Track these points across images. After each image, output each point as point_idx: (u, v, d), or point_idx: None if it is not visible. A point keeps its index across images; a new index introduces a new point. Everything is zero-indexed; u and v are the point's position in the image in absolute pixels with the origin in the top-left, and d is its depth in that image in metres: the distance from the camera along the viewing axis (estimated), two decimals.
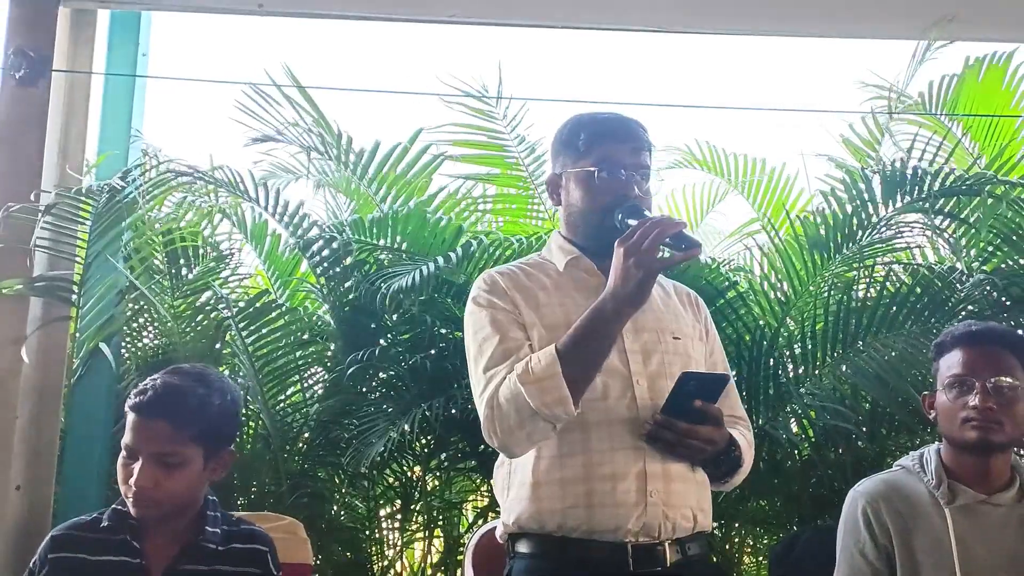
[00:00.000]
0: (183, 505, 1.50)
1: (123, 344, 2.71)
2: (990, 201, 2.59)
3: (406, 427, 2.46)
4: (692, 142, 3.16)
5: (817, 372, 2.66)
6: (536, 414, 1.42)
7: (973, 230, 2.69)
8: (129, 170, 2.59)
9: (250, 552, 1.52)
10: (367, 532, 2.84)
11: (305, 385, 2.83)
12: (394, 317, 2.74)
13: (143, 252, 2.64)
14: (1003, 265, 2.71)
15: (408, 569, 2.89)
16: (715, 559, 2.76)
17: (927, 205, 2.65)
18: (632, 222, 1.45)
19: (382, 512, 2.91)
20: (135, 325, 2.75)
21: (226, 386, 1.54)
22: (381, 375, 2.78)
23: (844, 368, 2.64)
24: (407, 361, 2.67)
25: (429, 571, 2.85)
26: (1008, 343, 1.69)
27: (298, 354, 2.76)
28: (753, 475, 2.62)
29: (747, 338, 2.66)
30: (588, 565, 1.46)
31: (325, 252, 2.73)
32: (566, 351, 1.43)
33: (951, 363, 1.69)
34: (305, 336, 2.82)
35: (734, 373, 2.66)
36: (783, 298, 2.73)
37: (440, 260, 2.46)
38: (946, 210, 2.71)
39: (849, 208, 2.63)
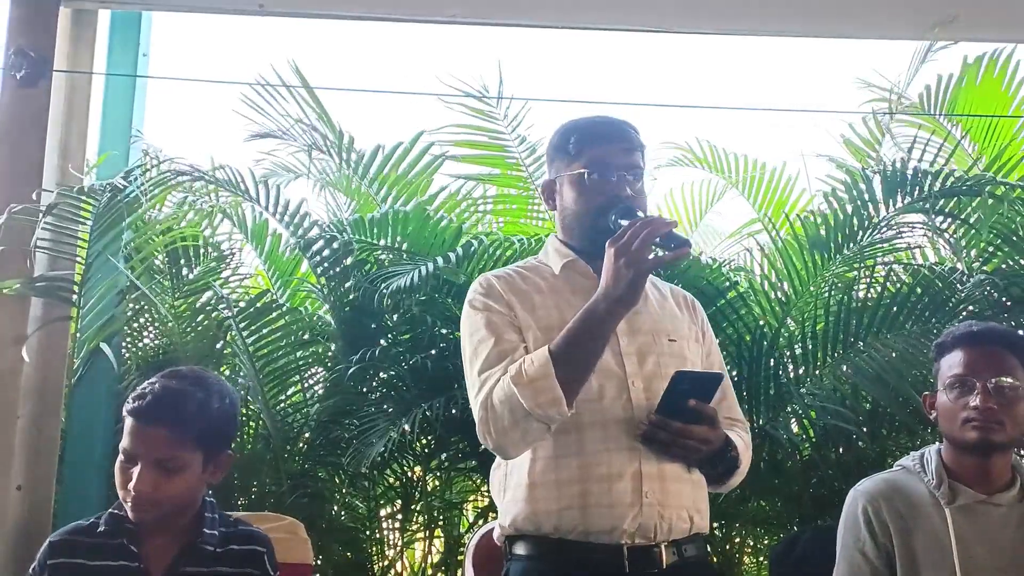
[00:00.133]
0: (182, 508, 1.50)
1: (124, 344, 2.71)
2: (990, 202, 2.58)
3: (406, 427, 2.47)
4: (692, 141, 3.17)
5: (818, 372, 2.66)
6: (530, 415, 1.42)
7: (973, 230, 2.70)
8: (131, 170, 2.60)
9: (248, 553, 1.52)
10: (367, 532, 2.85)
11: (306, 385, 2.83)
12: (395, 317, 2.74)
13: (143, 252, 2.64)
14: (1003, 265, 2.71)
15: (408, 569, 2.89)
16: (715, 559, 2.76)
17: (927, 205, 2.65)
18: (625, 223, 1.46)
19: (382, 512, 2.91)
20: (136, 325, 2.75)
21: (224, 389, 1.54)
22: (382, 375, 2.78)
23: (845, 368, 2.64)
24: (408, 361, 2.67)
25: (429, 571, 2.85)
26: (1009, 343, 1.69)
27: (299, 354, 2.76)
28: (753, 475, 2.63)
29: (747, 338, 2.66)
30: (584, 567, 1.46)
31: (326, 252, 2.73)
32: (559, 352, 1.44)
33: (952, 363, 1.69)
34: (306, 336, 2.82)
35: (734, 373, 2.67)
36: (783, 298, 2.73)
37: (440, 260, 2.46)
38: (947, 210, 2.71)
39: (850, 208, 2.63)
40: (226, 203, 2.81)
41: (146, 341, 2.79)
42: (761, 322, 2.70)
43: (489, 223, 3.03)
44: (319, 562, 2.65)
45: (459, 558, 2.73)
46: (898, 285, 2.71)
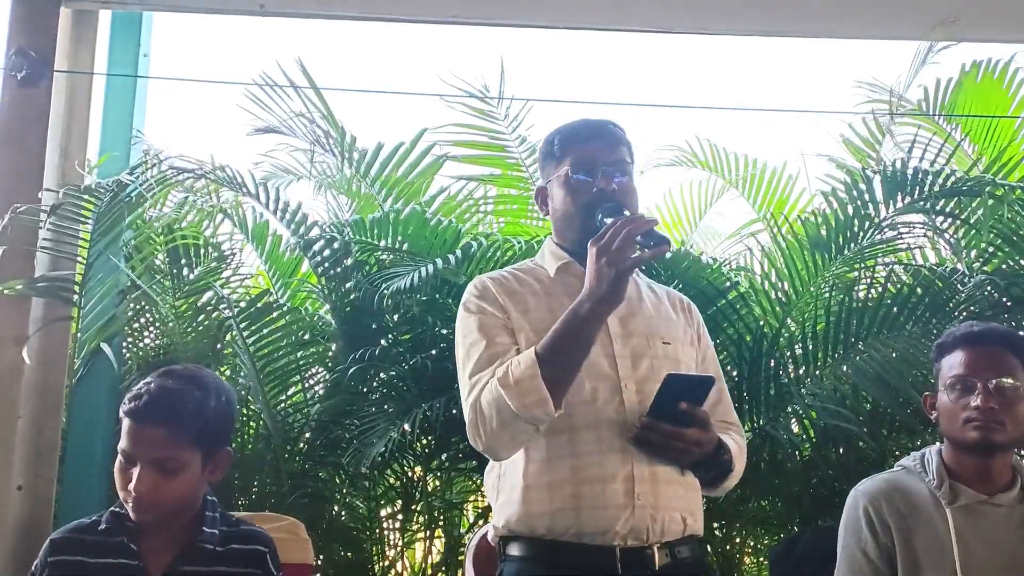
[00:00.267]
0: (183, 508, 1.50)
1: (124, 344, 2.71)
2: (991, 202, 2.58)
3: (407, 427, 2.47)
4: (693, 141, 3.17)
5: (818, 372, 2.66)
6: (518, 417, 1.43)
7: (974, 231, 2.69)
8: (136, 167, 2.60)
9: (250, 553, 1.52)
10: (368, 532, 2.85)
11: (306, 385, 2.83)
12: (395, 317, 2.74)
13: (144, 251, 2.64)
14: (1004, 266, 2.71)
15: (409, 569, 2.90)
16: (716, 560, 2.76)
17: (928, 206, 2.65)
18: (610, 222, 1.47)
19: (383, 512, 2.91)
20: (136, 325, 2.75)
21: (221, 386, 1.54)
22: (382, 375, 2.78)
23: (845, 368, 2.64)
24: (408, 361, 2.67)
25: (430, 571, 2.85)
26: (1009, 344, 1.69)
27: (299, 354, 2.76)
28: (754, 476, 2.66)
29: (748, 338, 2.66)
30: (577, 568, 1.47)
31: (326, 252, 2.74)
32: (545, 353, 1.45)
33: (953, 363, 1.69)
34: (306, 336, 2.82)
35: (735, 374, 2.67)
36: (784, 298, 2.73)
37: (440, 262, 2.47)
38: (947, 211, 2.71)
39: (850, 209, 2.63)
40: (227, 203, 2.81)
41: (147, 341, 2.79)
42: (761, 322, 2.70)
43: (490, 223, 3.03)
44: (319, 562, 2.65)
45: (459, 558, 2.73)
46: (898, 285, 2.71)
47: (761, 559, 2.87)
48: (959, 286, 2.62)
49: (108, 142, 2.72)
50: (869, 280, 2.76)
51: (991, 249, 2.73)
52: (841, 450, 2.72)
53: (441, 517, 2.87)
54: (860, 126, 2.99)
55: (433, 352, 2.65)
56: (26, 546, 2.34)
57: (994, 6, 2.69)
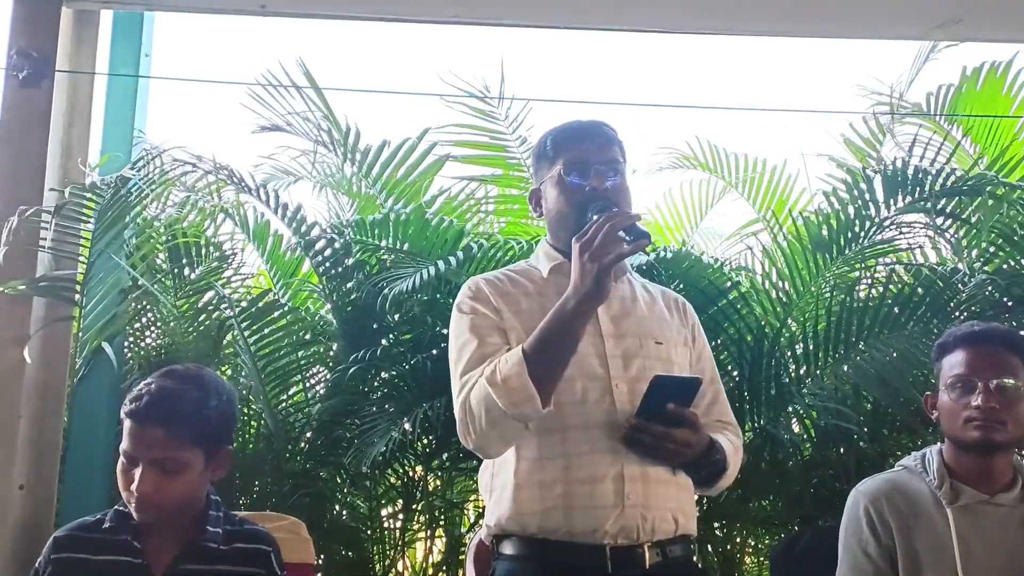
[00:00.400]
0: (185, 507, 1.50)
1: (126, 344, 2.71)
2: (991, 202, 2.58)
3: (408, 427, 2.47)
4: (693, 141, 3.17)
5: (819, 372, 2.66)
6: (506, 414, 1.44)
7: (975, 230, 2.69)
8: (137, 161, 2.60)
9: (253, 552, 1.52)
10: (369, 532, 2.85)
11: (307, 385, 2.83)
12: (396, 317, 2.74)
13: (144, 249, 2.65)
14: (1005, 265, 2.71)
15: (410, 569, 2.90)
16: (716, 559, 2.76)
17: (929, 205, 2.65)
18: None
19: (384, 512, 2.91)
20: (138, 325, 2.75)
21: (221, 386, 1.54)
22: (383, 375, 2.79)
23: (846, 368, 2.64)
24: (409, 361, 2.67)
25: (431, 571, 2.86)
26: (1010, 343, 1.69)
27: (300, 354, 2.77)
28: (755, 476, 2.66)
29: (749, 338, 2.66)
30: (568, 567, 1.48)
31: (327, 252, 2.74)
32: (532, 351, 1.46)
33: (953, 363, 1.69)
34: (307, 336, 2.83)
35: (735, 373, 2.68)
36: (785, 298, 2.73)
37: (441, 264, 2.47)
38: (948, 210, 2.71)
39: (851, 209, 2.63)
40: (228, 203, 2.81)
41: (148, 341, 2.79)
42: (762, 322, 2.71)
43: (491, 223, 3.04)
44: (321, 562, 2.65)
45: (460, 558, 2.73)
46: (899, 285, 2.71)
47: (762, 559, 2.87)
48: (960, 286, 2.62)
49: (109, 142, 2.72)
50: (870, 280, 2.76)
51: (992, 249, 2.73)
52: (842, 450, 2.72)
53: (442, 517, 2.87)
54: (861, 126, 2.99)
55: (434, 352, 2.66)
56: (27, 546, 2.34)
57: (995, 6, 2.69)
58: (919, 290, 2.64)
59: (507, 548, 1.54)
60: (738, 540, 2.84)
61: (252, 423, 2.76)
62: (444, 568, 2.84)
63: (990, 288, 2.62)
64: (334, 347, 2.83)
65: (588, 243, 1.43)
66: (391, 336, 2.78)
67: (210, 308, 2.73)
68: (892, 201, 2.62)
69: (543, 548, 1.49)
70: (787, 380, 2.67)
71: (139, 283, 2.59)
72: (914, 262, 2.81)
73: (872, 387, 2.60)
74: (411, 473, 2.85)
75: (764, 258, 2.81)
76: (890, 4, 2.66)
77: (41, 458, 2.47)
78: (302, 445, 2.77)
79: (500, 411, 1.44)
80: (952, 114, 2.92)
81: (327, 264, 2.75)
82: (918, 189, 2.58)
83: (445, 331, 2.68)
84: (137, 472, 1.43)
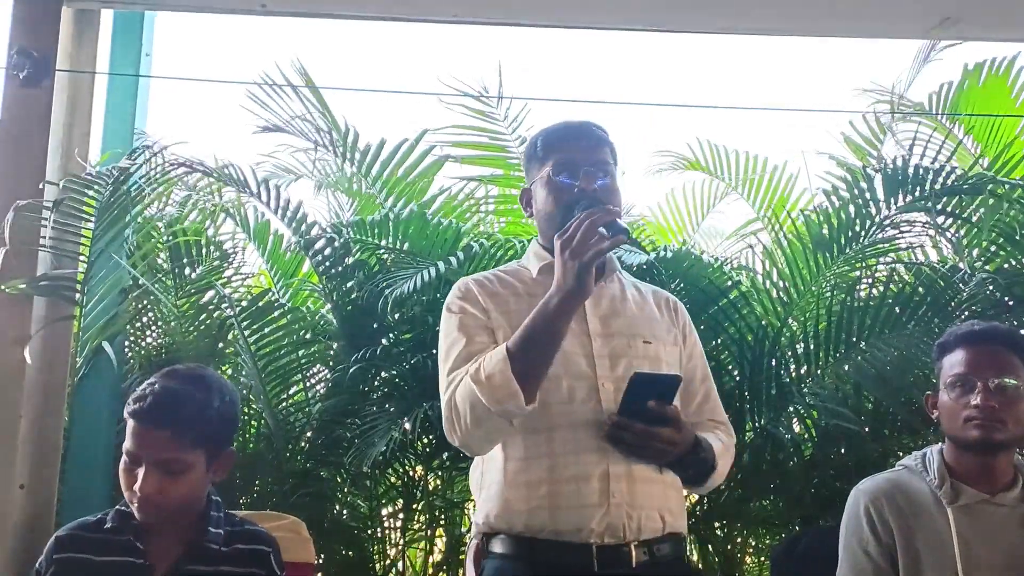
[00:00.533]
0: (187, 508, 1.50)
1: (127, 343, 2.71)
2: (992, 201, 2.58)
3: (408, 426, 2.47)
4: (693, 141, 3.17)
5: (820, 372, 2.66)
6: (490, 412, 1.45)
7: (976, 229, 2.69)
8: (135, 150, 2.59)
9: (254, 552, 1.53)
10: (369, 531, 2.85)
11: (307, 384, 2.83)
12: (396, 317, 2.74)
13: (144, 248, 2.65)
14: (1006, 265, 2.71)
15: (410, 568, 2.90)
16: (717, 559, 2.76)
17: (929, 204, 2.65)
18: None
19: (384, 511, 2.91)
20: (139, 324, 2.75)
21: (223, 386, 1.55)
22: (383, 375, 2.79)
23: (847, 368, 2.64)
24: (409, 361, 2.67)
25: (431, 570, 2.86)
26: (1010, 343, 1.69)
27: (300, 353, 2.77)
28: (755, 475, 2.66)
29: (749, 338, 2.66)
30: (555, 565, 1.49)
31: (327, 252, 2.74)
32: (515, 348, 1.47)
33: (953, 362, 1.70)
34: (307, 335, 2.83)
35: (736, 373, 2.68)
36: (785, 298, 2.73)
37: (441, 265, 2.47)
38: (948, 209, 2.70)
39: (851, 208, 2.63)
40: (229, 202, 2.81)
41: (149, 340, 2.79)
42: (763, 321, 2.70)
43: (491, 223, 3.04)
44: (321, 561, 2.65)
45: (460, 557, 2.73)
46: (900, 285, 2.71)
47: (762, 559, 2.87)
48: (961, 285, 2.62)
49: (110, 142, 2.72)
50: (871, 279, 2.76)
51: (993, 248, 2.73)
52: (843, 450, 2.72)
53: (442, 516, 2.87)
54: (861, 125, 2.99)
55: (434, 351, 2.61)
56: (28, 545, 2.34)
57: (997, 5, 2.68)
58: (920, 289, 2.64)
59: (496, 546, 1.55)
60: (739, 540, 2.84)
61: (252, 422, 2.76)
62: (444, 568, 2.84)
63: (991, 287, 2.62)
64: (334, 347, 2.83)
65: (569, 240, 1.45)
66: (391, 335, 2.78)
67: (211, 307, 2.72)
68: (893, 200, 2.61)
69: (531, 547, 1.50)
70: (788, 380, 2.67)
71: (140, 282, 2.59)
72: (915, 261, 2.81)
73: (873, 387, 2.60)
74: (411, 473, 2.85)
75: (765, 258, 2.81)
76: (890, 3, 2.66)
77: (42, 458, 2.47)
78: (302, 444, 2.77)
79: (484, 408, 1.45)
80: (953, 113, 2.92)
81: (327, 264, 2.75)
82: (919, 188, 2.57)
83: None
84: (140, 472, 1.44)
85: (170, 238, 2.70)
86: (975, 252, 2.76)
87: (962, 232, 2.77)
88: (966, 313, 2.58)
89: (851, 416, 2.57)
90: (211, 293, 2.72)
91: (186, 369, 1.56)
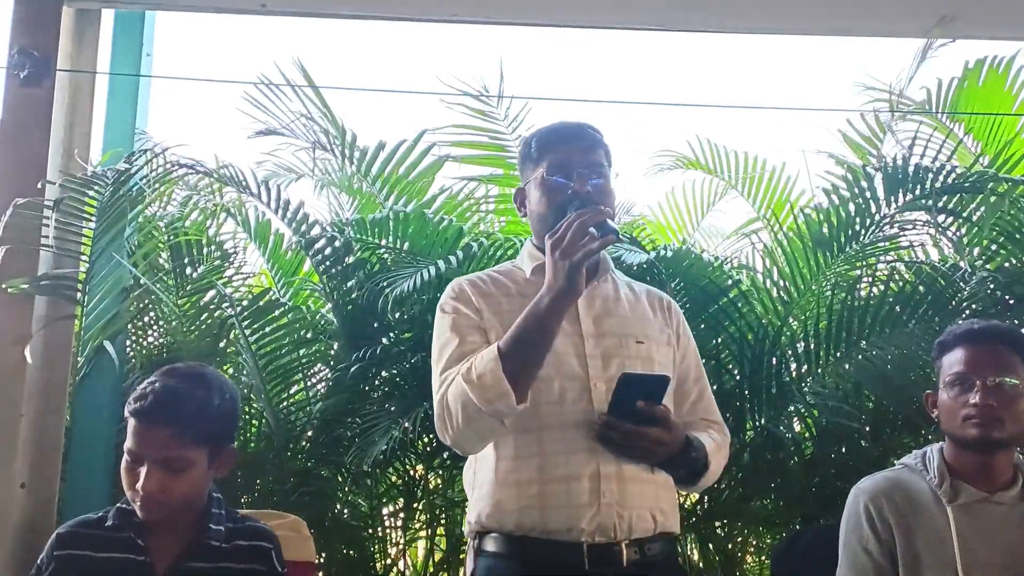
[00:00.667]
0: (189, 505, 1.51)
1: (128, 342, 2.71)
2: (993, 199, 2.58)
3: (408, 425, 2.47)
4: (693, 140, 3.18)
5: (820, 371, 2.66)
6: (481, 411, 1.46)
7: (976, 228, 2.69)
8: (133, 153, 2.59)
9: (254, 549, 1.53)
10: (370, 530, 2.85)
11: (308, 383, 2.84)
12: (396, 316, 2.75)
13: (146, 247, 2.65)
14: (1007, 263, 2.71)
15: (411, 567, 2.90)
16: (717, 559, 2.76)
17: (930, 203, 2.65)
18: None
19: (385, 510, 2.92)
20: (140, 324, 2.76)
21: (224, 384, 1.55)
22: (384, 374, 2.79)
23: (847, 367, 2.64)
24: (409, 360, 2.67)
25: (432, 569, 2.86)
26: (1010, 341, 1.69)
27: (301, 352, 2.77)
28: (756, 475, 2.66)
29: (749, 337, 2.65)
30: (546, 564, 1.50)
31: (327, 251, 2.74)
32: (507, 348, 1.47)
33: (953, 361, 1.70)
34: (308, 334, 2.83)
35: (736, 372, 2.67)
36: (786, 297, 2.73)
37: (442, 264, 2.47)
38: (949, 208, 2.70)
39: (852, 207, 2.62)
40: (230, 202, 2.82)
41: (150, 339, 2.80)
42: (763, 321, 2.70)
43: (491, 222, 3.04)
44: (322, 560, 2.66)
45: (461, 556, 2.73)
46: (900, 283, 2.71)
47: (763, 558, 2.87)
48: (961, 284, 2.62)
49: (111, 141, 2.72)
50: (871, 278, 2.75)
51: (994, 246, 2.72)
52: (843, 449, 2.72)
53: (443, 515, 2.87)
54: (860, 123, 2.99)
55: None
56: (29, 545, 2.34)
57: (995, 4, 2.68)
58: (920, 288, 2.64)
59: (488, 545, 1.56)
60: (739, 539, 2.84)
61: (254, 422, 2.76)
62: (445, 566, 2.84)
63: (992, 286, 2.62)
64: (335, 346, 2.83)
65: (559, 241, 1.46)
66: (392, 335, 2.78)
67: (212, 307, 2.73)
68: (893, 198, 2.61)
69: (522, 545, 1.51)
70: (788, 379, 2.67)
71: (141, 282, 2.59)
72: (915, 260, 2.81)
73: (873, 386, 2.60)
74: (412, 472, 2.86)
75: (765, 256, 2.81)
76: (888, 2, 2.66)
77: (43, 457, 2.47)
78: (303, 444, 2.77)
79: (475, 408, 1.46)
80: (953, 112, 2.92)
81: (327, 263, 2.75)
82: (919, 186, 2.57)
83: None
84: (142, 471, 1.44)
85: (171, 237, 2.70)
86: (976, 250, 2.76)
87: (963, 230, 2.76)
88: (967, 312, 2.58)
89: (852, 415, 2.57)
90: (212, 292, 2.72)
91: (186, 367, 1.56)
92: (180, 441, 1.45)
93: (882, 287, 2.71)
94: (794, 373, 2.70)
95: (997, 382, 1.63)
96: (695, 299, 2.65)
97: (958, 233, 2.78)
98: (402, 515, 2.89)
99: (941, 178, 2.54)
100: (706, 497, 2.70)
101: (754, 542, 2.90)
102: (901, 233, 2.72)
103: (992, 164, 2.79)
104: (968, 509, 1.66)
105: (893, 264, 2.79)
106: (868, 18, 2.69)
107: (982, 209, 2.65)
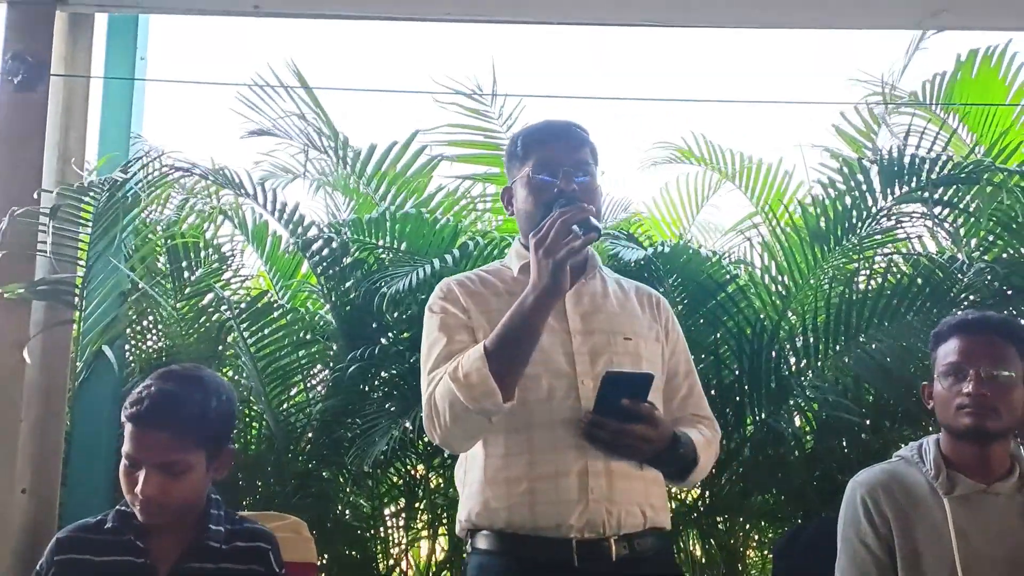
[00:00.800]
0: (189, 507, 1.51)
1: (127, 346, 2.71)
2: (989, 189, 2.58)
3: (408, 425, 2.47)
4: (688, 135, 3.17)
5: (819, 365, 2.66)
6: (468, 410, 1.47)
7: (973, 219, 2.69)
8: (130, 162, 2.60)
9: (253, 550, 1.53)
10: (372, 531, 2.85)
11: (308, 385, 2.84)
12: (395, 316, 2.75)
13: (143, 251, 2.65)
14: (1004, 254, 2.71)
15: (413, 567, 2.90)
16: (719, 553, 2.76)
17: (926, 195, 2.65)
18: None
19: (386, 511, 2.92)
20: (138, 327, 2.76)
21: (220, 385, 1.55)
22: (383, 374, 2.79)
23: (846, 360, 2.64)
24: (408, 360, 2.67)
25: (434, 569, 2.86)
26: (1003, 331, 1.69)
27: (300, 353, 2.77)
28: (756, 469, 2.66)
29: (748, 331, 2.65)
30: (536, 560, 1.50)
31: (324, 252, 2.74)
32: (493, 347, 1.48)
33: (947, 351, 1.70)
34: (307, 336, 2.83)
35: (735, 367, 2.67)
36: (784, 291, 2.73)
37: (438, 263, 2.47)
38: (945, 199, 2.70)
39: (848, 200, 2.62)
40: (226, 204, 2.81)
41: (149, 343, 2.80)
42: (761, 315, 2.70)
43: (488, 221, 3.04)
44: (324, 561, 2.66)
45: (463, 556, 2.73)
46: (898, 276, 2.71)
47: (765, 552, 2.87)
48: (959, 275, 2.61)
49: (106, 146, 2.72)
50: (869, 271, 2.75)
51: (991, 237, 2.72)
52: (843, 442, 2.72)
53: (444, 515, 2.87)
54: (854, 116, 2.98)
55: None
56: (30, 549, 2.35)
57: None
58: (918, 280, 2.63)
59: (479, 542, 1.57)
60: (741, 533, 2.84)
61: (254, 424, 2.76)
62: (447, 566, 2.84)
63: (989, 277, 2.61)
64: (334, 347, 2.83)
65: (543, 239, 1.46)
66: (390, 335, 2.78)
67: (210, 310, 2.73)
68: (889, 191, 2.61)
69: (512, 542, 1.52)
70: (787, 373, 2.67)
71: (139, 286, 2.59)
72: (913, 252, 2.81)
73: (873, 378, 2.60)
74: (413, 472, 2.86)
75: (763, 251, 2.81)
76: None
77: (43, 462, 2.48)
78: (304, 445, 2.77)
79: (462, 406, 1.47)
80: (947, 103, 2.92)
81: (325, 264, 2.75)
82: (915, 178, 2.57)
83: None
84: (140, 475, 1.44)
85: (168, 241, 2.70)
86: (973, 242, 2.76)
87: (960, 222, 2.76)
88: (965, 303, 2.58)
89: (852, 408, 2.56)
90: (210, 295, 2.73)
91: (181, 370, 1.56)
92: (178, 444, 1.45)
93: (880, 280, 2.70)
94: (793, 367, 2.70)
95: (991, 372, 1.63)
96: (693, 295, 2.65)
97: (955, 224, 2.78)
98: (403, 515, 2.89)
99: (937, 169, 2.54)
100: (707, 492, 2.70)
101: (756, 537, 2.90)
102: (898, 225, 2.73)
103: (988, 154, 2.79)
104: (965, 501, 1.65)
105: (891, 256, 2.79)
106: (860, 11, 2.68)
107: (979, 200, 2.65)
